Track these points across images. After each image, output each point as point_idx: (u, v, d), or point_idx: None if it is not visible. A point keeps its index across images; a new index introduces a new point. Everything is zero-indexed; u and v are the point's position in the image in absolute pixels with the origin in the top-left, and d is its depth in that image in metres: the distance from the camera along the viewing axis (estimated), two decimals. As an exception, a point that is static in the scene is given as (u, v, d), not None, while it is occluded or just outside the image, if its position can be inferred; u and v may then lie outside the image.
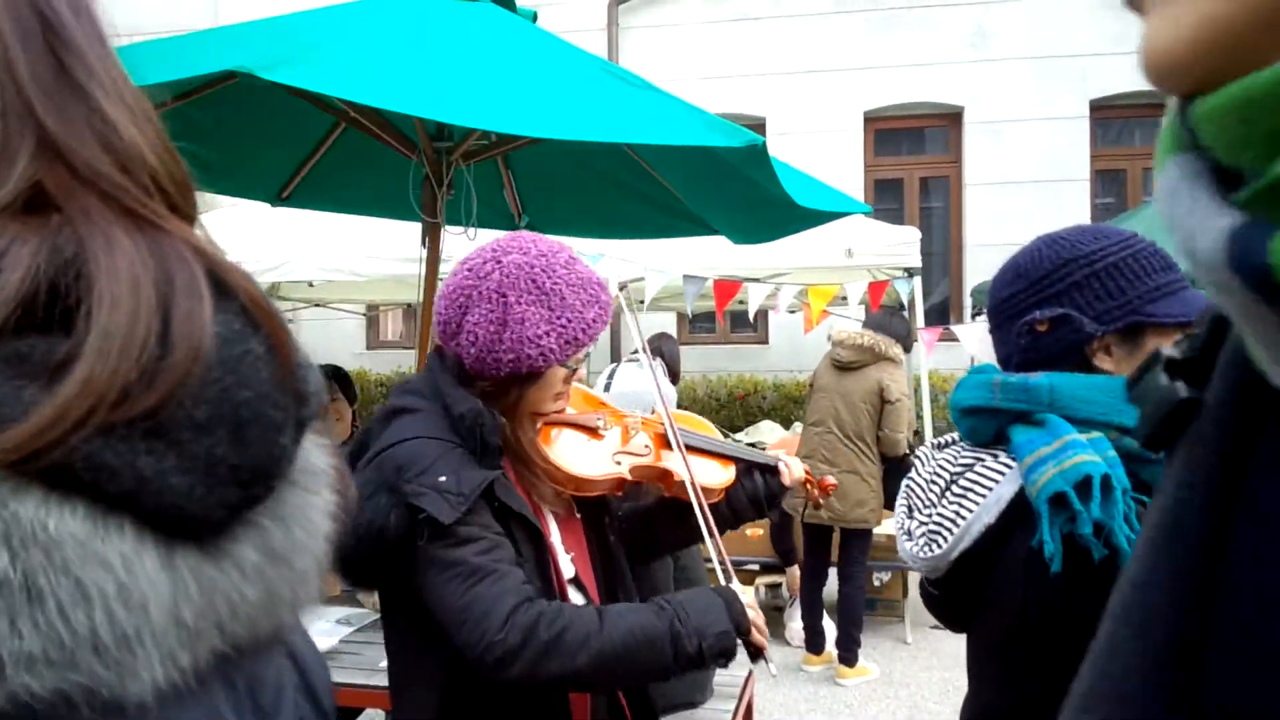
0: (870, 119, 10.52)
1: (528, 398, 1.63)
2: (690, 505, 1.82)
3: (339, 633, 3.22)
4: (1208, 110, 0.34)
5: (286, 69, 2.22)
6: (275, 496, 0.54)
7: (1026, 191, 10.07)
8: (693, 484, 1.81)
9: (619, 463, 1.79)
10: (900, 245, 6.43)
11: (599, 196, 3.98)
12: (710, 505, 1.84)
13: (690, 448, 1.90)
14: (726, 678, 3.07)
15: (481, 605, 1.45)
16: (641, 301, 6.62)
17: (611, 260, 5.50)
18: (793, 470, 2.00)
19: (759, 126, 10.43)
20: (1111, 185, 10.61)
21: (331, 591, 3.19)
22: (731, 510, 1.95)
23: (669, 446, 1.87)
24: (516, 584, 1.49)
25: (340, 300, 8.26)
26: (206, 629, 0.48)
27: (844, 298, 6.58)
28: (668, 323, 10.36)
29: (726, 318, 9.76)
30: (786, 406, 9.42)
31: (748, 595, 1.65)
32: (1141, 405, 0.47)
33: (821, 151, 10.09)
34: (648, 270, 5.84)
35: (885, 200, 10.65)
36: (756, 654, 1.63)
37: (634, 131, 2.54)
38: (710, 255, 5.86)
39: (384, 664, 2.54)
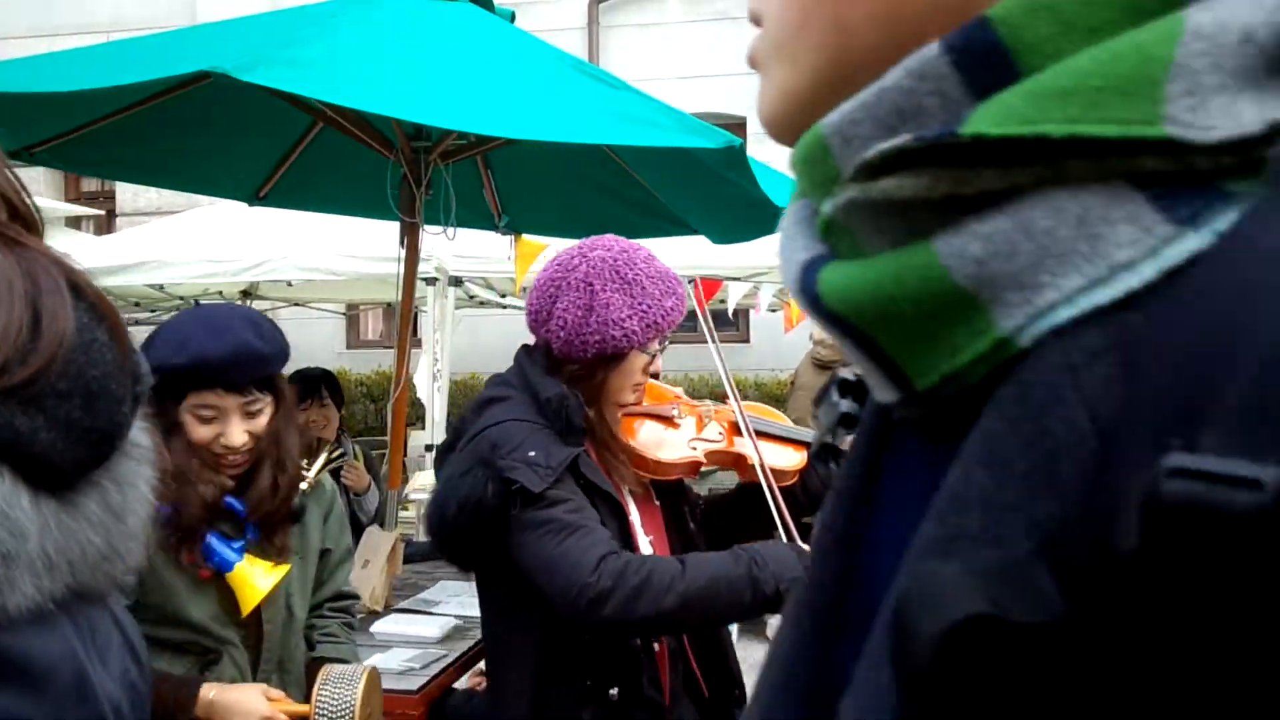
0: (850, 118, 10.56)
1: (610, 382, 1.77)
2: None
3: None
4: (792, 161, 0.41)
5: (263, 70, 2.21)
6: (113, 461, 0.67)
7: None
8: (762, 466, 1.89)
9: (694, 448, 1.92)
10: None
11: (579, 197, 3.97)
12: (783, 488, 1.91)
13: (761, 433, 1.97)
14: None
15: (573, 555, 1.58)
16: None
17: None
18: None
19: (739, 126, 10.44)
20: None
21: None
22: (806, 493, 2.01)
23: (740, 434, 1.97)
24: (605, 538, 1.63)
25: (319, 300, 8.21)
26: (62, 564, 0.60)
27: (824, 296, 6.59)
28: (649, 321, 10.36)
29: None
30: (769, 405, 9.43)
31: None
32: (821, 420, 0.51)
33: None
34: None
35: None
36: None
37: (611, 133, 2.54)
38: (690, 254, 5.87)
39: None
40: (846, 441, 0.49)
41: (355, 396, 9.47)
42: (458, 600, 3.29)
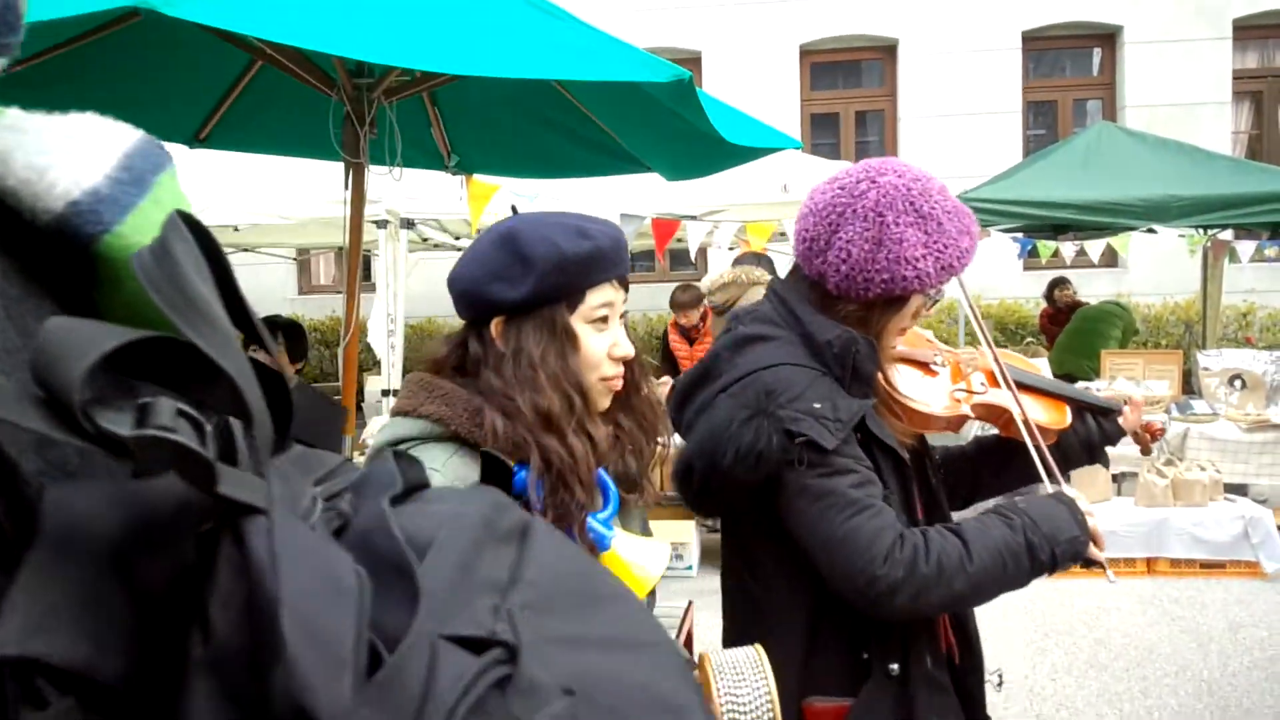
0: (806, 52, 10.45)
1: (888, 326, 1.59)
2: (1019, 447, 1.75)
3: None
4: None
5: (193, 5, 2.12)
6: None
7: (960, 124, 10.12)
8: (1025, 422, 1.73)
9: (959, 400, 1.76)
10: (835, 180, 6.43)
11: (530, 135, 3.90)
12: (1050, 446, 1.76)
13: (1023, 386, 1.81)
14: (666, 608, 3.10)
15: (861, 538, 1.43)
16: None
17: (545, 201, 5.43)
18: (1131, 416, 1.92)
19: (694, 60, 10.30)
20: (1043, 117, 10.70)
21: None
22: (1060, 453, 1.84)
23: (999, 385, 1.78)
24: (891, 520, 1.46)
25: (269, 245, 8.05)
26: None
27: (783, 233, 6.59)
28: (606, 262, 10.29)
29: (666, 256, 9.73)
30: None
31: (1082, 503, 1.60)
32: None
33: (757, 85, 10.01)
34: (584, 211, 5.76)
35: (821, 135, 10.64)
36: (1092, 563, 1.58)
37: (558, 67, 2.48)
38: (646, 194, 5.81)
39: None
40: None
41: (310, 343, 9.35)
42: (417, 545, 3.29)
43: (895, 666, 1.53)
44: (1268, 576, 5.34)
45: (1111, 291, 9.41)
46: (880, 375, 1.61)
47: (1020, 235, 7.54)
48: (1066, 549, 1.51)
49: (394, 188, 5.11)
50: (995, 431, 1.88)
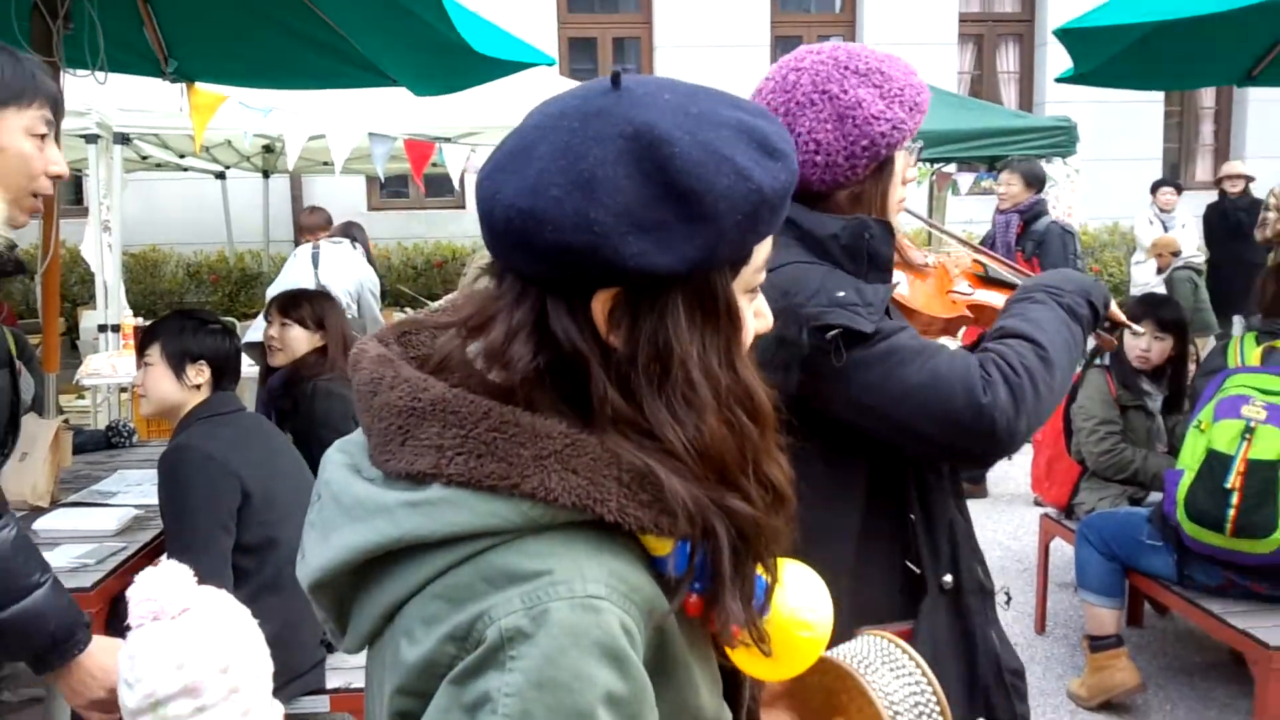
0: (562, -27, 10.25)
1: (888, 200, 1.47)
2: None
3: None
4: None
5: None
6: None
7: (713, 55, 10.29)
8: None
9: (955, 301, 1.65)
10: (592, 105, 6.36)
11: (260, 41, 3.55)
12: None
13: (1006, 284, 1.71)
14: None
15: (953, 375, 1.31)
16: (327, 163, 6.16)
17: (283, 114, 5.02)
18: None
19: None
20: (790, 50, 11.07)
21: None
22: None
23: (984, 284, 1.70)
24: (962, 351, 1.36)
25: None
26: None
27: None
28: (356, 186, 9.80)
29: (424, 181, 9.37)
30: (485, 272, 9.27)
31: None
32: None
33: (514, 6, 9.73)
34: (329, 128, 5.39)
35: (579, 60, 10.52)
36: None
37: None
38: (396, 112, 5.50)
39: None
40: None
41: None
42: (139, 490, 3.01)
43: (949, 578, 1.45)
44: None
45: (851, 222, 9.96)
46: (905, 256, 1.52)
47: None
48: (1097, 294, 1.52)
49: (105, 97, 4.55)
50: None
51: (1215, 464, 2.96)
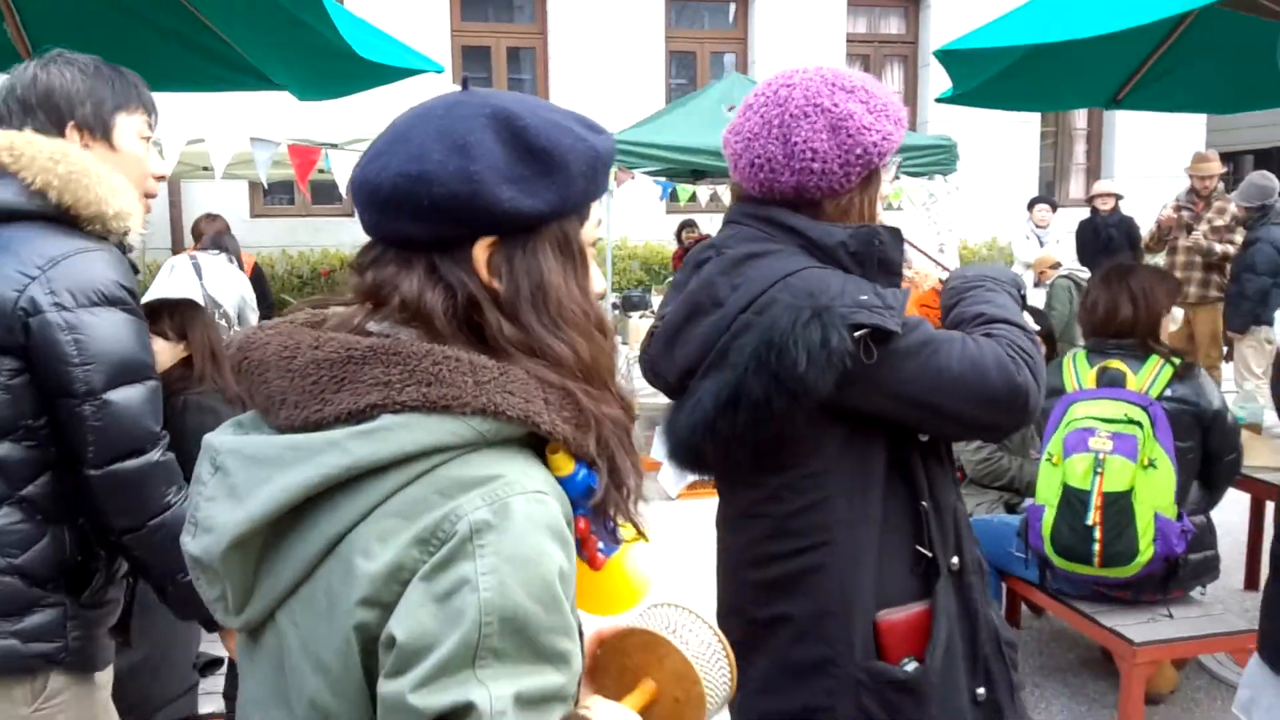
0: (455, -19, 10.15)
1: (875, 205, 1.57)
2: None
3: None
4: None
5: None
6: None
7: (608, 68, 10.33)
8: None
9: (927, 313, 1.73)
10: (485, 114, 6.29)
11: (135, 40, 3.39)
12: None
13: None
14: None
15: (985, 360, 1.45)
16: (207, 168, 5.94)
17: (159, 117, 4.81)
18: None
19: (336, -20, 9.67)
20: (684, 67, 11.19)
21: None
22: None
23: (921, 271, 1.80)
24: (981, 337, 1.50)
25: None
26: None
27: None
28: (238, 192, 9.49)
29: (310, 188, 9.14)
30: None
31: None
32: None
33: (406, 12, 9.59)
34: (208, 132, 5.21)
35: (473, 68, 10.42)
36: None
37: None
38: (280, 117, 5.35)
39: None
40: None
41: None
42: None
43: (955, 560, 1.57)
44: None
45: (744, 234, 10.10)
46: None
47: (663, 179, 7.85)
48: (1019, 283, 1.69)
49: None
50: None
51: (1074, 500, 3.00)
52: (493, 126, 0.90)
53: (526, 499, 0.84)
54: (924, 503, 1.53)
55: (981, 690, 1.58)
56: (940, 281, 1.77)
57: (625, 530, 1.00)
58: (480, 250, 0.90)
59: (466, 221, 0.89)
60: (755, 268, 1.51)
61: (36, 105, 1.68)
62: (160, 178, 1.80)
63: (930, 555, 1.54)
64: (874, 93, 1.53)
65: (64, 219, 1.63)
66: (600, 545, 0.97)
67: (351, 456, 0.83)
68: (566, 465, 0.91)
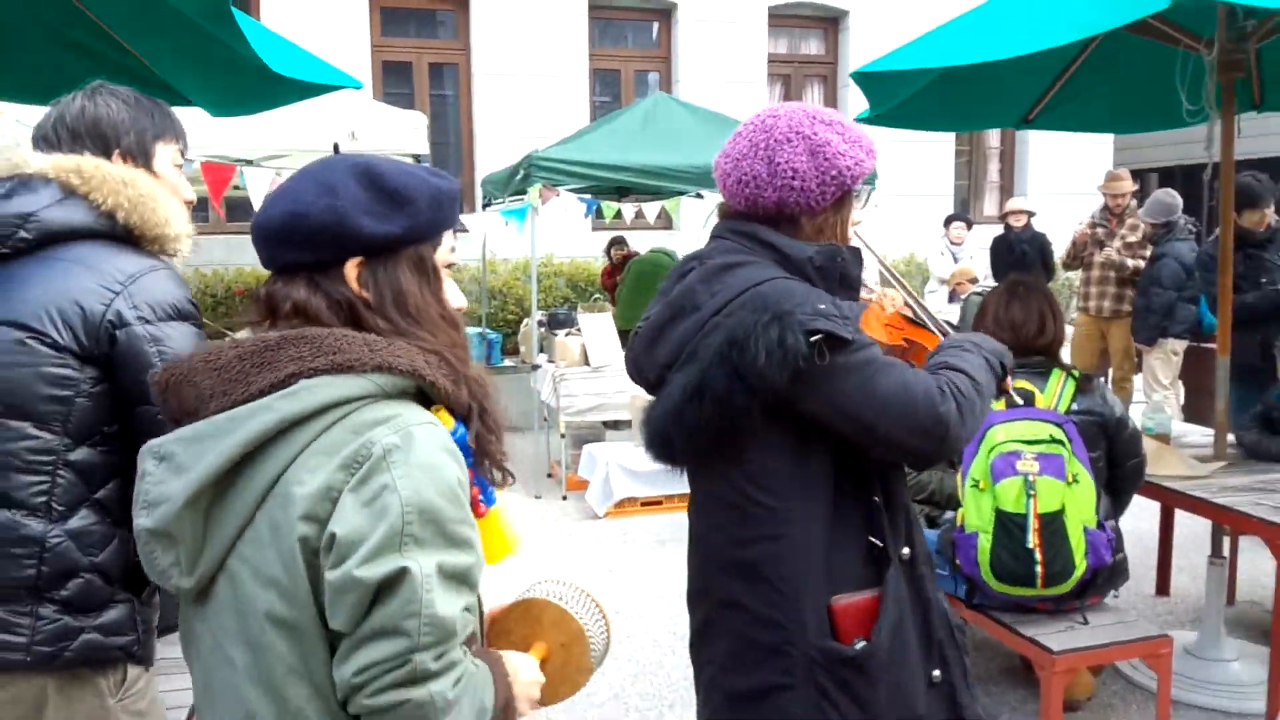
0: (376, -3, 10.03)
1: (848, 229, 1.74)
2: None
3: None
4: None
5: None
6: None
7: (532, 85, 10.30)
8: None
9: (892, 332, 1.90)
10: (407, 130, 6.23)
11: (43, 56, 3.28)
12: None
13: (928, 330, 1.96)
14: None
15: (916, 388, 1.58)
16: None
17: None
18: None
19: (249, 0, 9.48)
20: (608, 85, 11.21)
21: None
22: None
23: (913, 325, 1.96)
24: (918, 369, 1.64)
25: None
26: None
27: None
28: (154, 210, 9.20)
29: (224, 205, 8.92)
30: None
31: None
32: None
33: (323, 27, 9.44)
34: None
35: (394, 84, 10.31)
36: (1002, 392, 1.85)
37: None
38: (193, 133, 5.21)
39: None
40: None
41: None
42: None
43: (907, 551, 1.69)
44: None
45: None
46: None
47: (588, 196, 7.84)
48: (1007, 358, 1.82)
49: None
50: None
51: (1010, 525, 2.98)
52: (354, 173, 1.18)
53: (423, 427, 1.12)
54: (876, 497, 1.67)
55: (937, 673, 1.72)
56: (907, 305, 1.99)
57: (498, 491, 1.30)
58: (350, 269, 1.18)
59: (337, 246, 1.17)
60: (733, 276, 1.67)
61: (85, 134, 1.78)
62: (189, 202, 1.90)
63: (882, 546, 1.66)
64: (849, 126, 1.72)
65: (128, 239, 1.72)
66: (481, 496, 1.24)
67: (279, 413, 1.09)
68: (448, 421, 1.18)
